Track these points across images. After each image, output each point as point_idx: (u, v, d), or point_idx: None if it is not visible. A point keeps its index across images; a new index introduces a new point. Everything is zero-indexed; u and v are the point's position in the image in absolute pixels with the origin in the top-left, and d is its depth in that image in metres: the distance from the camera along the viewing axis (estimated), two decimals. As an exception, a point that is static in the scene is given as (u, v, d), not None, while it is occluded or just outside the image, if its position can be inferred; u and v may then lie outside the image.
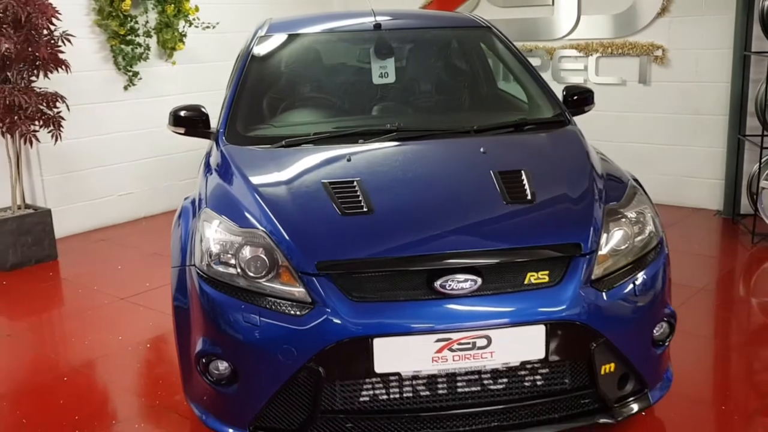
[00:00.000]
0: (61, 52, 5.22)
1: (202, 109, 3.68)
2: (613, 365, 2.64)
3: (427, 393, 2.55)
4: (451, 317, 2.46)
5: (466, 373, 2.54)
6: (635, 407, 2.72)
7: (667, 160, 6.21)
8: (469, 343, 2.46)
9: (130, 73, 6.25)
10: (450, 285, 2.46)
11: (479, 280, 2.48)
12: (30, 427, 3.09)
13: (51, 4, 5.08)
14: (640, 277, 2.69)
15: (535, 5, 6.67)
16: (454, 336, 2.44)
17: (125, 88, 6.30)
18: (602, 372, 2.62)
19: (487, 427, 2.57)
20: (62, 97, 5.31)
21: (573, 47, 6.50)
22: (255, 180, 2.96)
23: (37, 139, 5.20)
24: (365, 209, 2.69)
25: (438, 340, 2.44)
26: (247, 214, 2.75)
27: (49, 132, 5.29)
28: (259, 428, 2.59)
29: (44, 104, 5.23)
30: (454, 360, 2.46)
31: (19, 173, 5.41)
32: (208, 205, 2.89)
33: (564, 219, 2.72)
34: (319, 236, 2.61)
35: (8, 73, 5.07)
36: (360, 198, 2.75)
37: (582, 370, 2.62)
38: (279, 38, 4.01)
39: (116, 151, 6.27)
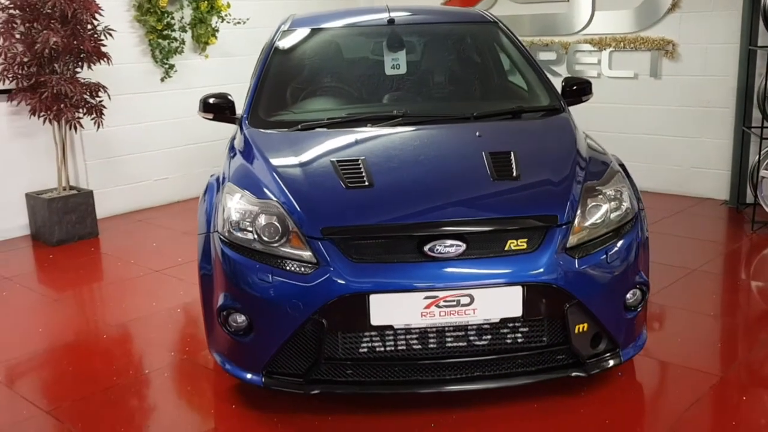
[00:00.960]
0: (104, 45, 5.65)
1: (229, 97, 4.06)
2: (586, 325, 2.95)
3: (418, 345, 2.89)
4: (438, 277, 2.79)
5: (453, 328, 2.86)
6: (607, 364, 3.03)
7: (677, 151, 6.44)
8: (454, 301, 2.79)
9: (167, 66, 6.67)
10: (438, 249, 2.80)
11: (464, 246, 2.81)
12: (74, 374, 3.50)
13: (94, 0, 5.51)
14: (613, 247, 3.00)
15: (551, 1, 6.94)
16: (441, 294, 2.78)
17: (162, 79, 6.72)
18: (576, 331, 2.93)
19: (470, 376, 2.90)
20: (104, 87, 5.75)
21: (587, 42, 6.76)
22: (272, 158, 3.33)
23: (81, 126, 5.65)
24: (366, 183, 3.05)
25: (426, 298, 2.78)
26: (264, 188, 3.11)
27: (91, 119, 5.73)
28: (271, 373, 2.96)
29: (88, 93, 5.67)
30: (440, 315, 2.80)
31: (65, 158, 5.87)
32: (230, 180, 3.27)
33: (544, 194, 3.04)
34: (325, 206, 2.97)
35: (56, 65, 5.50)
36: (363, 174, 3.10)
37: (557, 329, 2.93)
38: (300, 32, 4.37)
39: (153, 138, 6.70)
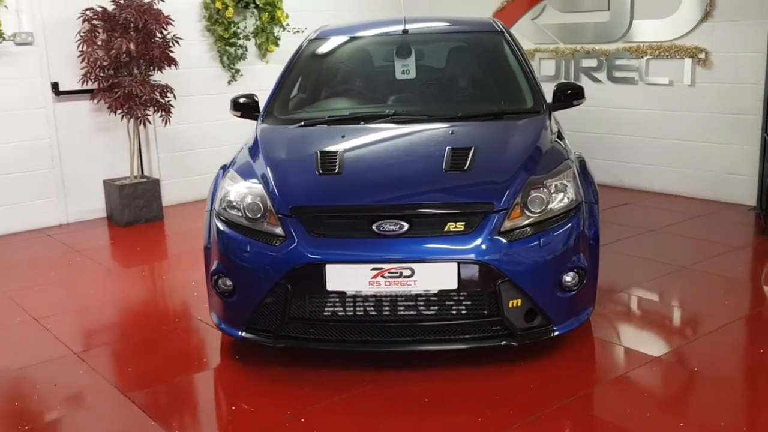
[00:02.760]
0: (171, 51, 6.42)
1: (255, 98, 4.68)
2: (519, 301, 3.35)
3: (374, 312, 3.35)
4: (383, 252, 3.28)
5: (404, 298, 3.32)
6: (537, 336, 3.41)
7: (710, 157, 6.59)
8: (397, 273, 3.26)
9: (233, 71, 7.41)
10: (384, 228, 3.29)
11: (406, 225, 3.28)
12: (125, 325, 4.25)
13: (163, 12, 6.29)
14: (549, 233, 3.38)
15: (592, 10, 7.21)
16: (386, 266, 3.26)
17: (228, 82, 7.47)
18: (509, 305, 3.34)
19: (413, 339, 3.36)
20: (171, 89, 6.52)
21: (626, 50, 7.00)
22: (267, 149, 3.91)
23: (149, 122, 6.46)
24: (336, 171, 3.57)
25: (373, 269, 3.26)
26: (255, 174, 3.69)
27: (160, 116, 6.52)
28: (250, 329, 3.52)
29: (158, 93, 6.46)
30: (385, 285, 3.28)
31: (139, 149, 6.69)
32: (232, 168, 3.87)
33: (486, 184, 3.46)
34: (297, 189, 3.52)
35: (130, 68, 6.31)
36: (336, 163, 3.62)
37: (492, 303, 3.34)
38: (324, 41, 4.95)
39: (219, 135, 7.44)
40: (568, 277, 3.46)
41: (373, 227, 3.30)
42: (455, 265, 3.26)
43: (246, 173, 3.74)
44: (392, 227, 3.29)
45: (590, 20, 7.28)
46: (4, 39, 6.02)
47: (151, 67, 6.45)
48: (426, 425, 3.06)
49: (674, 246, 5.33)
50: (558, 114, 7.21)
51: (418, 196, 3.44)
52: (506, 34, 4.83)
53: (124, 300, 4.66)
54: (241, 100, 4.66)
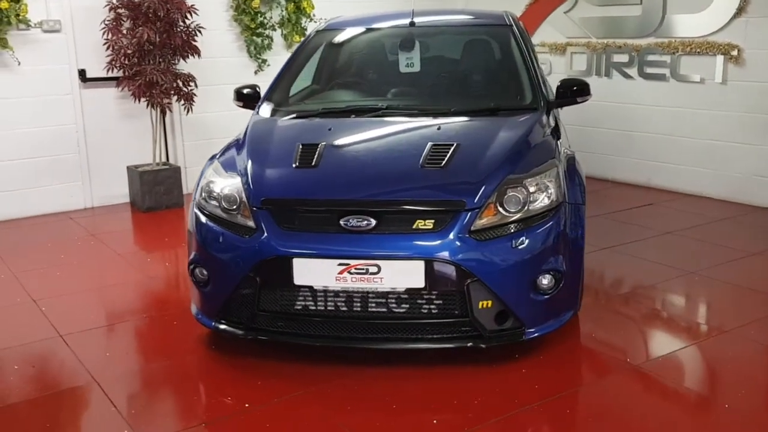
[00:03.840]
0: (194, 40, 6.49)
1: (257, 89, 4.69)
2: (490, 302, 3.27)
3: (345, 307, 3.31)
4: (349, 247, 3.24)
5: (367, 294, 3.29)
6: (508, 339, 3.33)
7: (740, 158, 6.32)
8: (363, 269, 3.22)
9: (260, 61, 7.46)
10: (351, 223, 3.25)
11: (374, 222, 3.23)
12: (118, 309, 4.31)
13: (185, 1, 6.36)
14: (523, 234, 3.29)
15: (625, 4, 6.99)
16: (352, 262, 3.22)
17: (255, 72, 7.52)
18: (479, 306, 3.27)
19: (377, 336, 3.32)
20: (193, 78, 6.60)
21: (657, 45, 6.76)
22: (254, 141, 3.91)
23: (170, 110, 6.55)
24: (313, 164, 3.54)
25: (340, 264, 3.23)
26: (236, 166, 3.69)
27: (182, 105, 6.61)
28: (222, 320, 3.53)
29: (181, 82, 6.55)
30: (352, 281, 3.24)
31: (165, 137, 6.80)
32: (217, 159, 3.88)
33: (459, 182, 3.38)
34: (270, 182, 3.51)
35: (154, 57, 6.39)
36: (315, 156, 3.59)
37: (462, 303, 3.27)
38: (331, 33, 4.93)
39: (245, 125, 7.49)
40: (544, 280, 3.36)
41: (341, 222, 3.26)
42: (422, 263, 3.20)
43: (228, 165, 3.75)
44: (359, 223, 3.25)
45: (623, 14, 7.06)
46: (30, 26, 6.17)
47: (175, 56, 6.53)
48: (387, 423, 3.01)
49: (688, 250, 5.14)
50: (587, 110, 7.13)
51: (388, 192, 3.38)
52: (515, 27, 4.71)
53: (125, 285, 4.74)
54: (245, 91, 4.68)
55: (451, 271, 3.21)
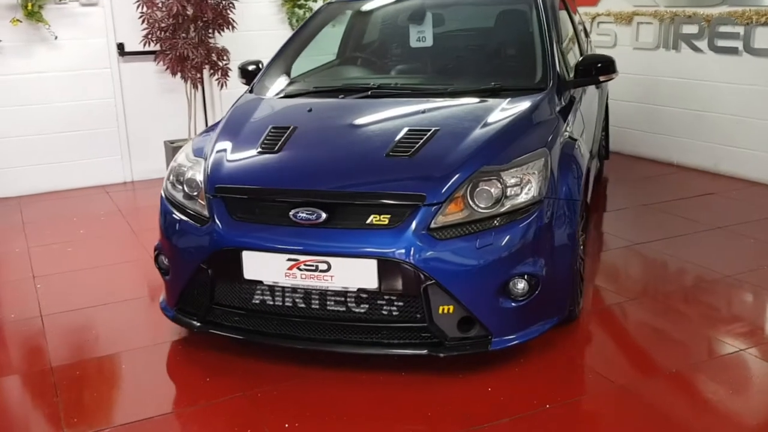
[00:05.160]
0: (228, 12, 6.33)
1: (261, 65, 4.46)
2: (451, 307, 2.94)
3: (303, 304, 3.07)
4: (298, 242, 2.98)
5: (322, 292, 3.03)
6: (470, 349, 2.98)
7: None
8: (313, 266, 2.96)
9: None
10: (300, 216, 2.98)
11: (324, 215, 2.95)
12: (110, 290, 4.18)
13: (217, -28, 6.20)
14: (490, 233, 2.92)
15: (695, -31, 6.31)
16: (301, 258, 2.96)
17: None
18: (439, 311, 2.94)
19: (333, 339, 3.05)
20: (227, 52, 6.45)
21: (730, 15, 6.05)
22: (230, 121, 3.70)
23: (202, 85, 6.43)
24: (274, 149, 3.28)
25: (289, 259, 2.98)
26: (205, 148, 3.49)
27: (216, 80, 6.48)
28: (181, 310, 3.36)
29: (215, 56, 6.42)
30: (302, 278, 2.99)
31: (205, 111, 6.72)
32: (193, 140, 3.69)
33: (423, 173, 3.03)
34: (228, 167, 3.27)
35: (187, 30, 6.27)
36: (280, 140, 3.34)
37: (419, 307, 2.96)
38: (337, 7, 4.65)
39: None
40: (518, 285, 3.00)
41: (290, 213, 3.00)
42: (375, 262, 2.90)
43: (199, 147, 3.55)
44: (308, 216, 2.97)
45: (692, -20, 6.37)
46: (63, 0, 6.16)
47: (209, 29, 6.40)
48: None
49: (733, 249, 4.57)
50: (652, 86, 6.53)
51: (344, 183, 3.08)
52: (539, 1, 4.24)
53: (129, 264, 4.67)
54: (249, 68, 4.48)
55: (406, 272, 2.90)
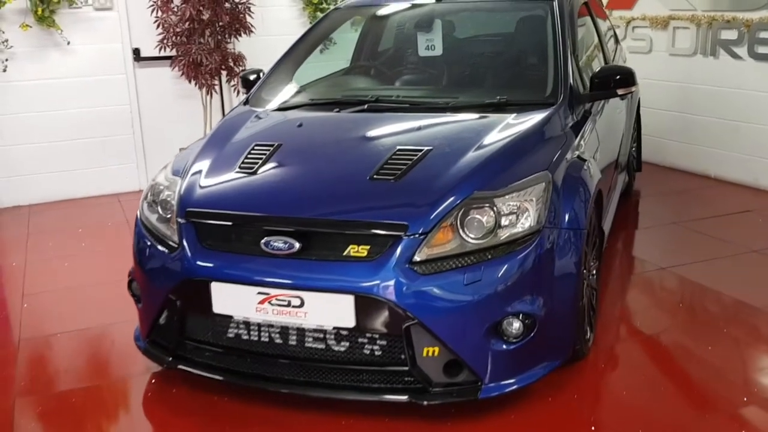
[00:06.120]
0: (247, 16, 6.14)
1: (260, 75, 4.24)
2: (437, 349, 2.66)
3: (280, 340, 2.82)
4: (269, 274, 2.73)
5: (296, 330, 2.77)
6: (457, 396, 2.70)
7: None
8: (285, 301, 2.71)
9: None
10: (272, 245, 2.73)
11: (297, 245, 2.70)
12: (95, 311, 4.00)
13: (232, -24, 6.00)
14: (480, 267, 2.64)
15: (736, -30, 5.89)
16: (273, 291, 2.72)
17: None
18: (423, 354, 2.66)
19: (302, 381, 2.80)
20: (243, 57, 6.26)
21: (773, 19, 5.64)
22: (214, 137, 3.48)
23: (215, 91, 6.24)
24: (253, 170, 3.04)
25: (260, 293, 2.73)
26: (183, 166, 3.27)
27: (232, 86, 6.30)
28: (152, 343, 3.14)
29: (231, 62, 6.23)
30: (273, 314, 2.74)
31: (210, 118, 6.54)
32: (176, 155, 3.48)
33: (407, 199, 2.76)
34: (201, 189, 3.03)
35: (202, 35, 6.09)
36: (261, 160, 3.09)
37: (400, 349, 2.68)
38: (344, 13, 4.41)
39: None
40: (512, 325, 2.70)
41: (261, 243, 2.75)
42: (352, 298, 2.64)
43: (179, 164, 3.33)
44: (281, 245, 2.72)
45: (733, -18, 5.95)
46: (77, 5, 6.02)
47: (225, 35, 6.21)
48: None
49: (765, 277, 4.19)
50: (689, 94, 6.12)
51: (322, 209, 2.82)
52: (556, 2, 3.92)
53: (122, 282, 4.41)
54: (251, 77, 4.26)
55: (385, 310, 2.63)
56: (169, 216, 3.06)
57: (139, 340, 3.22)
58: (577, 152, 3.22)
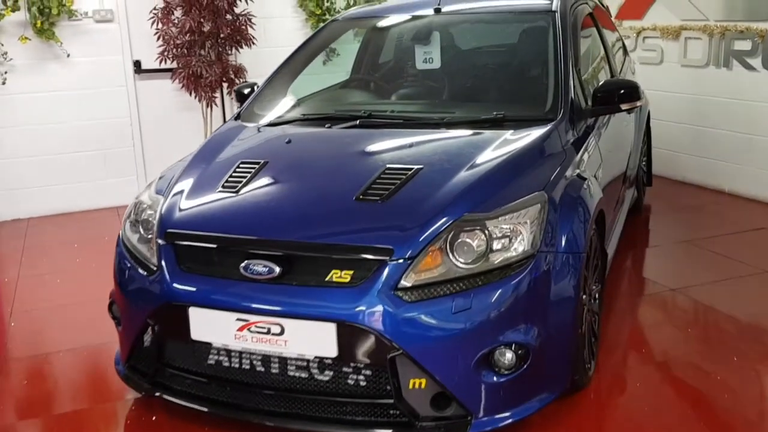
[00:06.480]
0: (248, 27, 6.04)
1: (255, 88, 4.12)
2: (424, 381, 2.51)
3: (262, 368, 2.68)
4: (247, 300, 2.59)
5: (276, 358, 2.64)
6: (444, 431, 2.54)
7: None
8: (264, 328, 2.57)
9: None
10: (251, 269, 2.60)
11: (277, 269, 2.56)
12: (80, 330, 3.89)
13: (232, -12, 5.90)
14: (470, 294, 2.49)
15: (750, -21, 5.71)
16: (252, 318, 2.58)
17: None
18: (410, 386, 2.52)
19: (283, 413, 2.66)
20: (244, 70, 6.16)
21: (788, 30, 5.45)
22: (201, 153, 3.36)
23: (216, 104, 6.14)
24: (236, 189, 2.91)
25: (238, 320, 2.60)
26: (168, 184, 3.15)
27: (232, 98, 6.19)
28: (131, 368, 3.01)
29: (233, 74, 6.13)
30: (253, 341, 2.60)
31: (210, 130, 6.43)
32: (162, 172, 3.36)
33: (393, 222, 2.61)
34: (182, 209, 2.90)
35: (202, 47, 5.99)
36: (245, 179, 2.97)
37: (386, 380, 2.54)
38: (341, 25, 4.30)
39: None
40: (506, 355, 2.55)
41: (241, 267, 2.62)
42: (334, 326, 2.50)
43: (164, 182, 3.21)
44: (261, 269, 2.59)
45: (747, -9, 5.78)
46: (77, 16, 5.95)
47: (225, 46, 6.11)
48: None
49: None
50: (702, 106, 5.93)
51: (304, 231, 2.68)
52: (559, 14, 3.77)
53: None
54: (245, 91, 4.13)
55: (368, 339, 2.48)
56: (150, 237, 2.94)
57: (119, 364, 3.10)
58: (577, 170, 3.06)
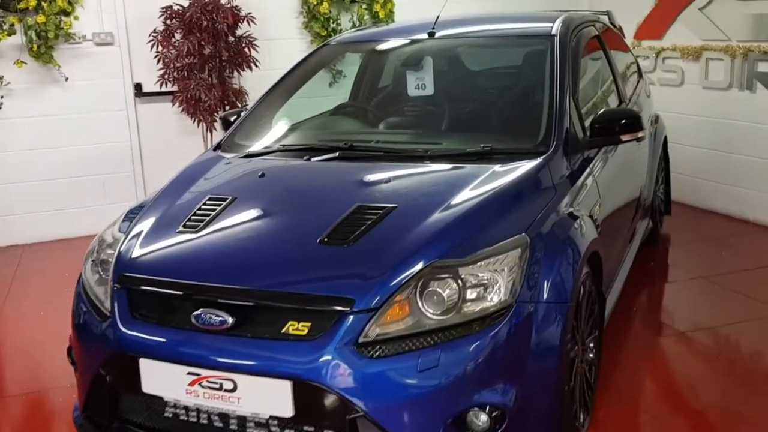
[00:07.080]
0: (252, 50, 5.88)
1: (242, 114, 3.94)
2: (389, 446, 2.27)
3: (206, 421, 2.47)
4: (198, 352, 2.38)
5: (233, 416, 2.42)
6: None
7: None
8: (216, 383, 2.36)
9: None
10: (203, 319, 2.39)
11: (230, 319, 2.35)
12: (52, 370, 3.77)
13: (233, 9, 5.74)
14: (438, 350, 2.25)
15: (775, -3, 5.42)
16: (203, 372, 2.37)
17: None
18: (374, 450, 2.28)
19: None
20: (245, 93, 6.00)
21: (814, 51, 5.14)
22: (169, 188, 3.17)
23: (215, 129, 5.97)
24: (197, 229, 2.71)
25: (189, 373, 2.39)
26: (132, 221, 2.96)
27: (233, 122, 6.02)
28: (87, 418, 2.80)
29: (234, 97, 5.97)
30: (204, 397, 2.39)
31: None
32: (132, 208, 3.17)
33: (357, 268, 2.38)
34: (139, 250, 2.70)
35: (205, 70, 5.85)
36: (207, 217, 2.76)
37: (350, 444, 2.30)
38: (332, 50, 4.12)
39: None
40: (477, 418, 2.30)
41: (192, 316, 2.41)
42: (289, 384, 2.27)
43: (129, 218, 3.02)
44: (213, 319, 2.37)
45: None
46: (76, 39, 5.84)
47: (226, 70, 5.96)
48: None
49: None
50: (724, 131, 5.62)
51: (261, 278, 2.45)
52: (559, 39, 3.52)
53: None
54: (232, 119, 3.95)
55: (327, 398, 2.25)
56: (108, 277, 2.74)
57: (76, 412, 2.90)
58: (569, 208, 2.81)
